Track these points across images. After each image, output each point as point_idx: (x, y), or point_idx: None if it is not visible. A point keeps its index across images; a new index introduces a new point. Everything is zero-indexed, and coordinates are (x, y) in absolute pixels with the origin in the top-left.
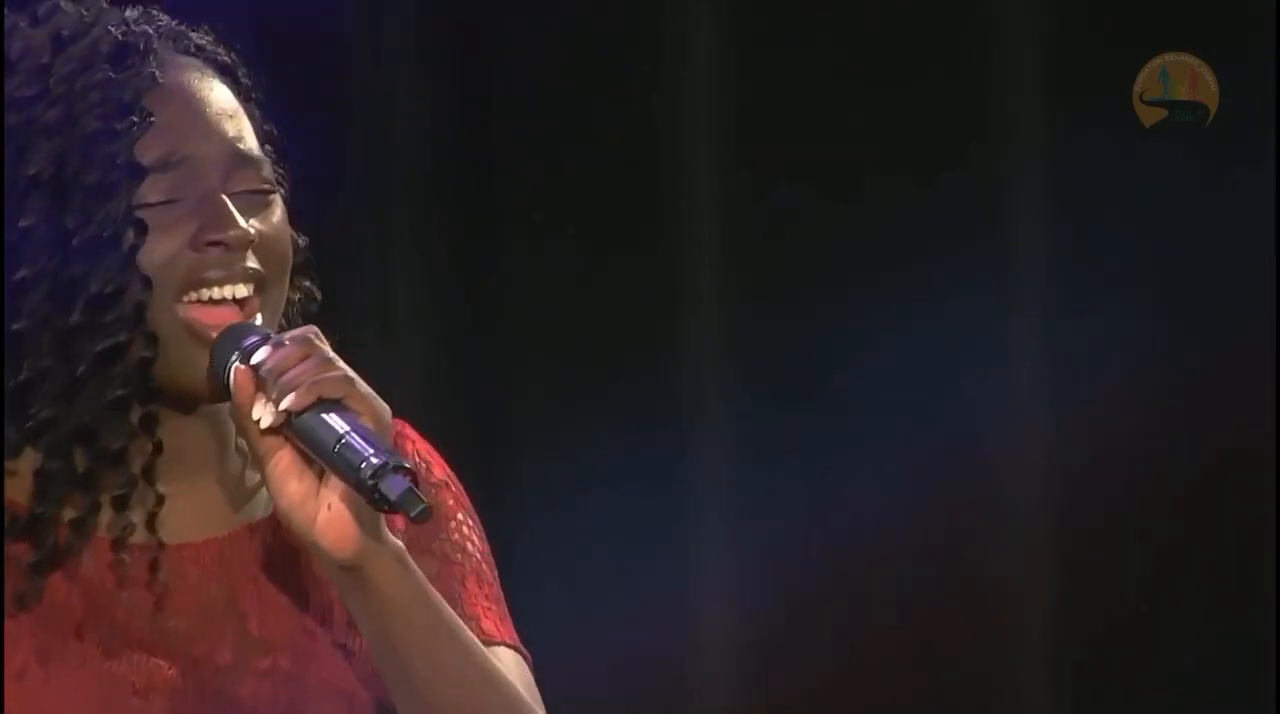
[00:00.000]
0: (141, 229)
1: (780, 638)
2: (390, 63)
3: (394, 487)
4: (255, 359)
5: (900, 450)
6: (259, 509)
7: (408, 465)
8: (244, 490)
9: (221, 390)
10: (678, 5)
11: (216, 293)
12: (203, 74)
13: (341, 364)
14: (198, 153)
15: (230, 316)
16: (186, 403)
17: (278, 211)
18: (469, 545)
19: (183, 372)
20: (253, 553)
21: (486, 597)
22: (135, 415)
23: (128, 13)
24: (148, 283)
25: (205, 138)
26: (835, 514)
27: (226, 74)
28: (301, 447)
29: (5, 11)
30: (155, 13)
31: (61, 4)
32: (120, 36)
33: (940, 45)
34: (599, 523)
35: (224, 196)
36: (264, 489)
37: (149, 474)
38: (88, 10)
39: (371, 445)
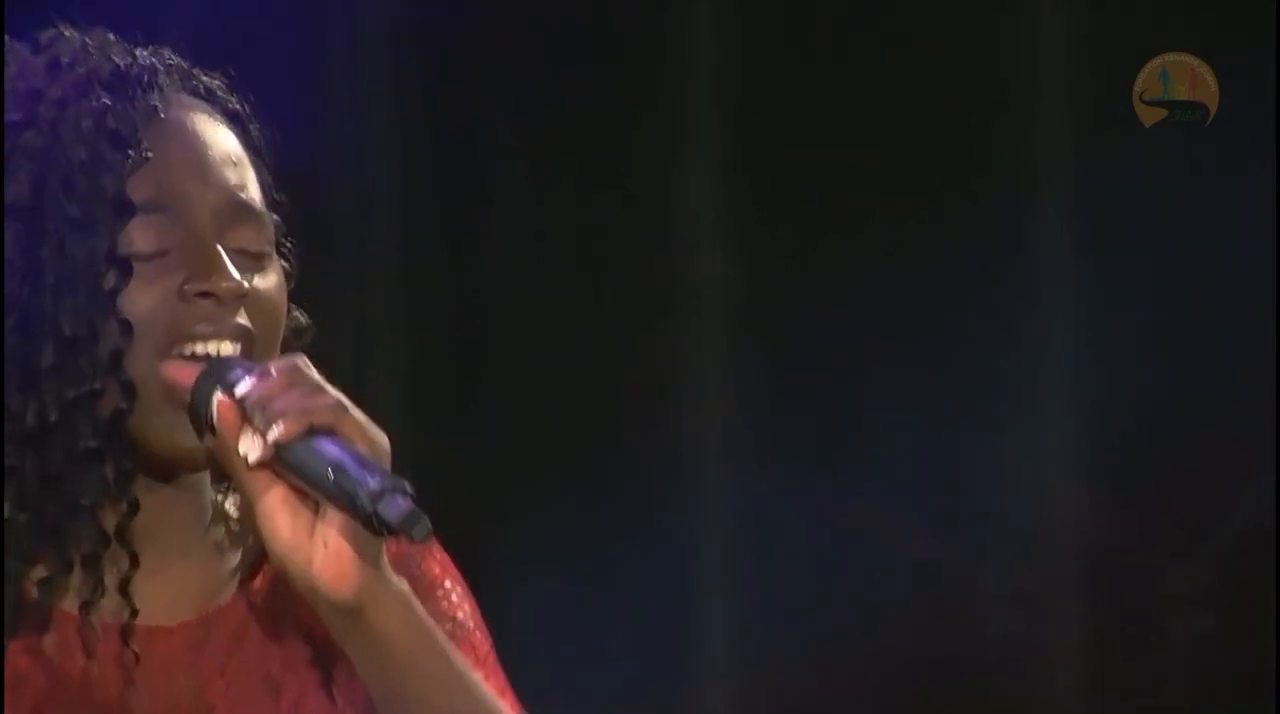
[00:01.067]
0: (125, 271)
1: (787, 701)
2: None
3: (393, 508)
4: (240, 390)
5: (915, 512)
6: (232, 591)
7: (408, 488)
8: (219, 572)
9: (202, 429)
10: (679, 52)
11: (200, 348)
12: (209, 117)
13: (332, 390)
14: (194, 196)
15: None
16: (162, 469)
17: (275, 275)
18: (459, 615)
19: (159, 433)
20: (224, 641)
21: (482, 665)
22: (109, 470)
23: (139, 50)
24: (128, 329)
25: (203, 182)
26: (849, 581)
27: (235, 122)
28: (294, 480)
29: (7, 41)
30: (167, 51)
31: (66, 33)
32: (122, 66)
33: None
34: (590, 583)
35: (218, 246)
36: (238, 572)
37: (123, 535)
38: (93, 39)
39: (368, 470)
